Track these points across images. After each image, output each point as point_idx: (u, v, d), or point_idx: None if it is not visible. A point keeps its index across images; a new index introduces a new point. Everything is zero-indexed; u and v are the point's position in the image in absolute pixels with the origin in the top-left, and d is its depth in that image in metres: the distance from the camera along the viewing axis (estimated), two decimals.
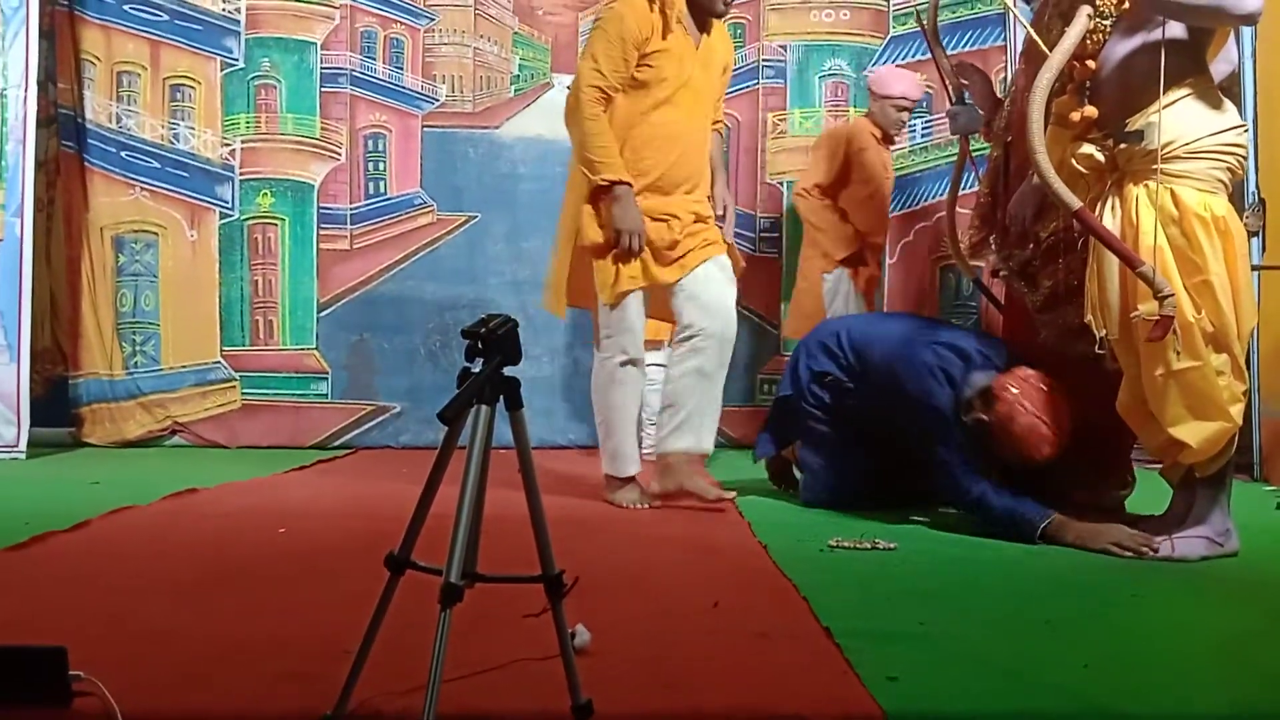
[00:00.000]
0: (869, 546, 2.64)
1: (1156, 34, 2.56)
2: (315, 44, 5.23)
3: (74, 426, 5.06)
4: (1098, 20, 2.54)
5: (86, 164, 5.09)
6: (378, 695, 1.51)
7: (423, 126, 5.28)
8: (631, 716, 1.52)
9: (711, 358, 3.36)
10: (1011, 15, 5.14)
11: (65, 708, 1.45)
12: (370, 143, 5.28)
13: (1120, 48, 2.64)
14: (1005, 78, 5.05)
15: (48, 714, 1.45)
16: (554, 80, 5.34)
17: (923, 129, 5.36)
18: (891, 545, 2.71)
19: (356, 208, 5.25)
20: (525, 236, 5.25)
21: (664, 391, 3.44)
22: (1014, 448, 2.84)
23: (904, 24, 5.36)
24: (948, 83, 3.62)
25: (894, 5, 5.36)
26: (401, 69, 5.29)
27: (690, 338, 3.37)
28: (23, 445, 4.57)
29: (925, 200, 5.34)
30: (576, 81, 3.35)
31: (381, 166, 5.28)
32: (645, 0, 3.32)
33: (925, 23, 3.71)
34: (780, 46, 5.36)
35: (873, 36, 5.37)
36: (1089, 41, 2.55)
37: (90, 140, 5.09)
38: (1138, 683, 1.72)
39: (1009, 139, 3.32)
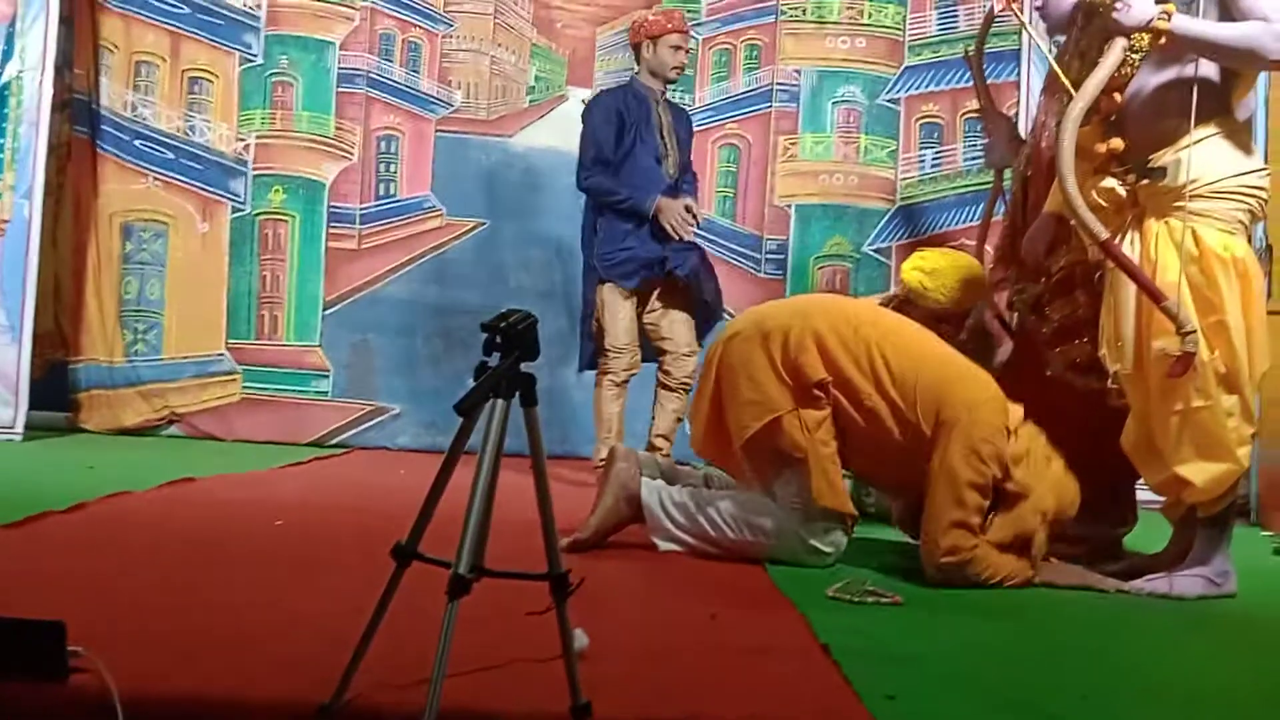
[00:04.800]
0: (871, 601, 2.36)
1: (1187, 70, 2.56)
2: (334, 44, 5.25)
3: (71, 411, 5.04)
4: (1129, 53, 2.55)
5: (98, 150, 5.10)
6: (375, 687, 1.50)
7: (436, 131, 5.30)
8: None
9: None
10: (1025, 53, 5.19)
11: (62, 681, 1.44)
12: (383, 144, 5.29)
13: (1148, 82, 2.64)
14: (1016, 113, 5.07)
15: (45, 688, 1.44)
16: (569, 93, 5.35)
17: (932, 160, 5.38)
18: (896, 599, 2.39)
19: (366, 208, 5.25)
20: (533, 245, 5.25)
21: None
22: None
23: (919, 55, 5.39)
24: (986, 115, 3.68)
25: (910, 36, 5.39)
26: (418, 73, 5.31)
27: None
28: (20, 427, 4.55)
29: (932, 230, 5.34)
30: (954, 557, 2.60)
31: (393, 168, 5.29)
32: None
33: (970, 53, 3.81)
34: (794, 71, 5.38)
35: (887, 66, 5.39)
36: (1118, 74, 2.55)
37: (104, 127, 5.10)
38: (1134, 716, 1.72)
39: (1028, 173, 3.34)
